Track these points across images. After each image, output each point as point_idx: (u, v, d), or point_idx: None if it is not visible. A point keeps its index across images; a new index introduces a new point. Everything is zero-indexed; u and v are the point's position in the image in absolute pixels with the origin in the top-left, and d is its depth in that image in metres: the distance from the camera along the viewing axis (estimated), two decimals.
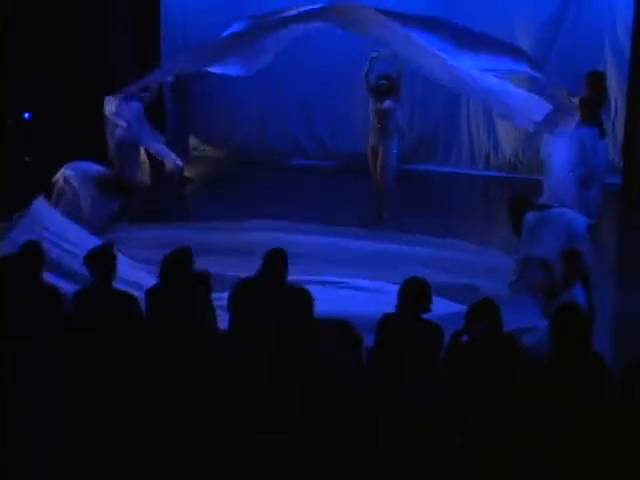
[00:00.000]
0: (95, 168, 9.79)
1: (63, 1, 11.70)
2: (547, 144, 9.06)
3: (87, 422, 5.06)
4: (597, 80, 9.17)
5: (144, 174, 10.41)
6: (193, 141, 13.18)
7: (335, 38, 11.27)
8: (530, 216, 7.77)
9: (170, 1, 13.20)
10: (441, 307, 6.51)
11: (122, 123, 10.03)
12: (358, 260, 8.64)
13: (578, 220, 7.77)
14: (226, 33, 9.64)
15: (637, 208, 10.92)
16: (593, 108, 8.80)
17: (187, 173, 12.17)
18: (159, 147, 10.60)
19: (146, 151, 10.47)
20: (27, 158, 11.87)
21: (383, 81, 10.08)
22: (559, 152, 8.75)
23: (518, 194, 8.59)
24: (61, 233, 8.01)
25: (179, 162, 10.85)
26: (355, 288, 8.00)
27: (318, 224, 9.67)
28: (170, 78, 11.17)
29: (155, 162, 10.70)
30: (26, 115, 12.02)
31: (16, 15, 11.40)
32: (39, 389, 5.24)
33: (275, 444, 4.50)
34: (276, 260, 6.23)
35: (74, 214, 9.18)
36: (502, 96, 8.73)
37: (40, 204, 8.37)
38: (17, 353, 5.44)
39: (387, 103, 10.08)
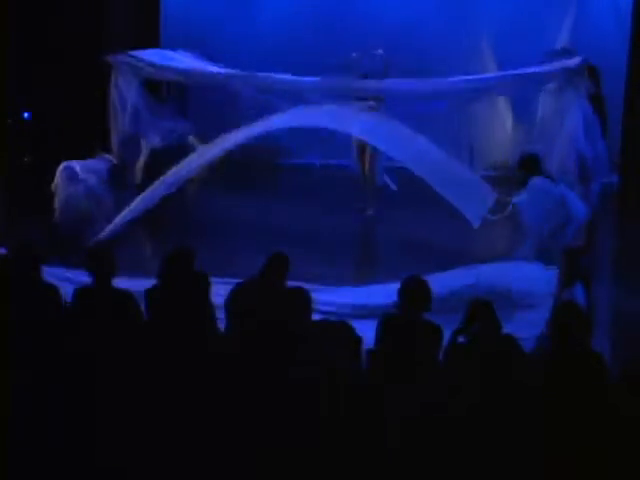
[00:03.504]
0: (95, 163, 9.79)
1: (63, 1, 11.71)
2: (554, 115, 8.90)
3: (87, 422, 5.05)
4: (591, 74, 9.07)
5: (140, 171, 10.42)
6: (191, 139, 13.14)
7: (335, 39, 11.34)
8: (537, 181, 7.69)
9: (170, 1, 13.21)
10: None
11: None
12: None
13: (581, 209, 7.69)
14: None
15: (637, 208, 10.92)
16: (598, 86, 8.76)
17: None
18: (164, 125, 10.53)
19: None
20: (27, 158, 11.89)
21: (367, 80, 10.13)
22: (567, 123, 8.55)
23: (531, 152, 8.32)
24: None
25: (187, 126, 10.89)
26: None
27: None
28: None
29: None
30: (26, 115, 12.03)
31: (16, 16, 11.41)
32: (39, 389, 5.24)
33: (274, 445, 4.50)
34: (278, 263, 6.26)
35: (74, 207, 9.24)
36: (449, 176, 8.11)
37: None
38: (17, 353, 5.43)
39: (371, 102, 10.11)
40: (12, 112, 11.90)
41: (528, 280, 7.22)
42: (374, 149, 10.21)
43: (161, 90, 11.74)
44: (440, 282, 6.47)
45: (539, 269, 7.39)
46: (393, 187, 10.49)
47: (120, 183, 9.81)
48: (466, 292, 6.73)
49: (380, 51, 10.23)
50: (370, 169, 10.40)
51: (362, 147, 10.35)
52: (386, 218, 10.29)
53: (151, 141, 10.42)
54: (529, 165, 8.06)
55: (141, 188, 9.89)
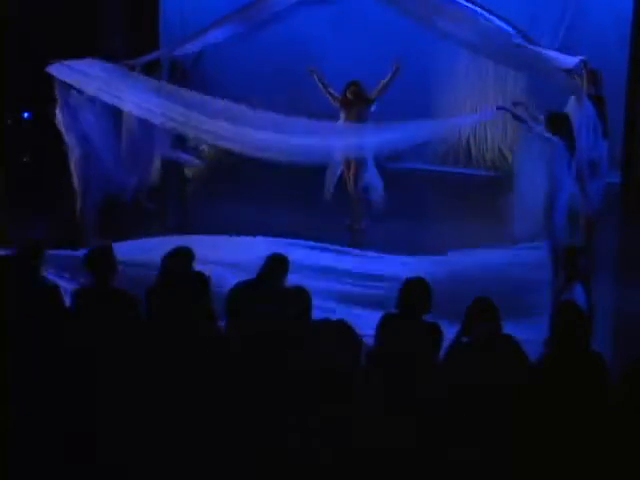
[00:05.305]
0: None
1: (63, 1, 11.72)
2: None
3: (87, 421, 5.05)
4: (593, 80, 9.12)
5: (154, 173, 10.42)
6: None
7: (335, 41, 11.36)
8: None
9: (170, 1, 13.23)
10: None
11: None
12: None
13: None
14: None
15: (637, 208, 10.92)
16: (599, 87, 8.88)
17: (186, 172, 12.19)
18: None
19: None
20: (26, 158, 11.89)
21: (353, 88, 10.01)
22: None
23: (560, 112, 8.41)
24: None
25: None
26: None
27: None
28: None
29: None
30: (26, 115, 12.03)
31: (16, 15, 11.42)
32: (39, 388, 5.24)
33: (274, 444, 4.50)
34: (277, 263, 6.27)
35: None
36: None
37: None
38: (17, 352, 5.43)
39: (358, 111, 10.00)
40: (12, 112, 11.90)
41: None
42: (358, 163, 10.04)
43: None
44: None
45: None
46: (380, 197, 10.23)
47: None
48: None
49: (396, 64, 10.06)
50: (354, 184, 10.20)
51: (348, 163, 10.15)
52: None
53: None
54: (557, 124, 8.10)
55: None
